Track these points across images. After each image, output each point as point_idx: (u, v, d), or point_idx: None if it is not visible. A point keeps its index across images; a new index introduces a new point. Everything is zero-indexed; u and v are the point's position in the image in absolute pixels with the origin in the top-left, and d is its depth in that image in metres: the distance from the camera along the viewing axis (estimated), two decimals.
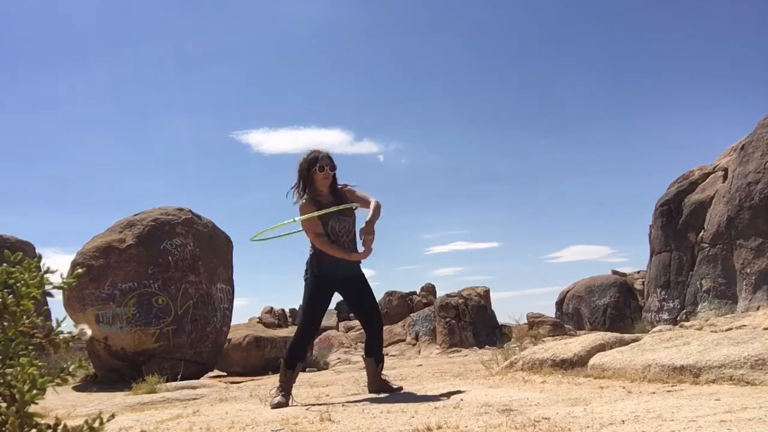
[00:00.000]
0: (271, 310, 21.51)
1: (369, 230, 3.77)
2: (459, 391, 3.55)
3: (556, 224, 59.24)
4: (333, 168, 3.90)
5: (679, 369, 3.08)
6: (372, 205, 3.87)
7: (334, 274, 3.84)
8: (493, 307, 17.32)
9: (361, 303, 3.99)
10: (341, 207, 3.81)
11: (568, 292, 21.52)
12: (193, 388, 5.99)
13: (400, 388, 3.98)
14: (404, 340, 17.46)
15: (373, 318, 3.98)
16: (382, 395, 3.75)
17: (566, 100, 66.42)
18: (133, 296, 9.14)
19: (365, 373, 4.16)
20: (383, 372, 4.03)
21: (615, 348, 3.89)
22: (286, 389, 3.69)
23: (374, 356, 3.92)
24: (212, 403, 4.33)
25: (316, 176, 3.85)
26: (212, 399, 4.73)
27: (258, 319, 19.85)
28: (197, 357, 9.56)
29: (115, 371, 9.10)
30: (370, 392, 3.91)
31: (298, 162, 3.94)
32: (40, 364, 1.12)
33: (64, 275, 1.26)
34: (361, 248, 3.85)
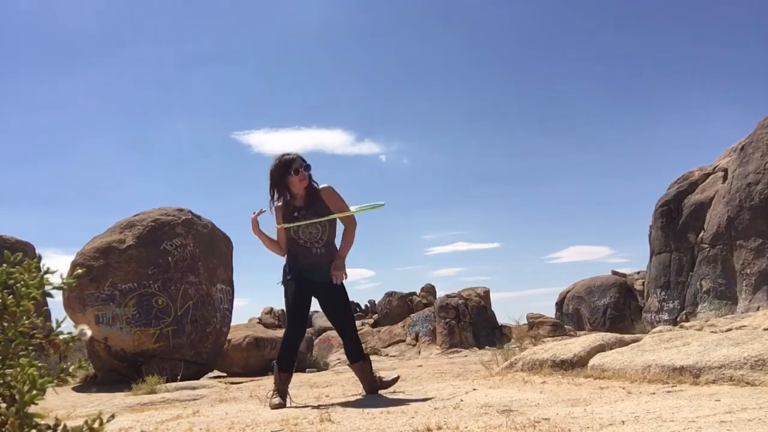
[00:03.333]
0: (270, 311, 21.51)
1: (339, 266, 3.75)
2: (459, 392, 3.55)
3: (556, 225, 59.33)
4: (308, 168, 3.81)
5: (679, 369, 3.08)
6: (346, 233, 3.84)
7: (305, 277, 3.81)
8: (493, 308, 17.32)
9: (331, 312, 3.93)
10: (315, 221, 3.75)
11: (568, 292, 21.50)
12: (193, 388, 5.98)
13: (398, 377, 3.98)
14: (404, 341, 17.45)
15: (344, 328, 3.91)
16: (381, 395, 3.75)
17: (567, 101, 66.53)
18: (132, 297, 9.14)
19: None
20: (375, 371, 4.01)
21: (615, 349, 3.89)
22: (281, 392, 3.69)
23: (359, 359, 3.89)
24: (212, 403, 4.33)
25: (291, 180, 3.78)
26: (212, 399, 4.72)
27: (258, 320, 19.86)
28: (197, 357, 9.55)
29: (114, 372, 9.09)
30: (368, 393, 3.91)
31: (269, 166, 3.84)
32: (39, 364, 1.12)
33: (64, 276, 1.26)
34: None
